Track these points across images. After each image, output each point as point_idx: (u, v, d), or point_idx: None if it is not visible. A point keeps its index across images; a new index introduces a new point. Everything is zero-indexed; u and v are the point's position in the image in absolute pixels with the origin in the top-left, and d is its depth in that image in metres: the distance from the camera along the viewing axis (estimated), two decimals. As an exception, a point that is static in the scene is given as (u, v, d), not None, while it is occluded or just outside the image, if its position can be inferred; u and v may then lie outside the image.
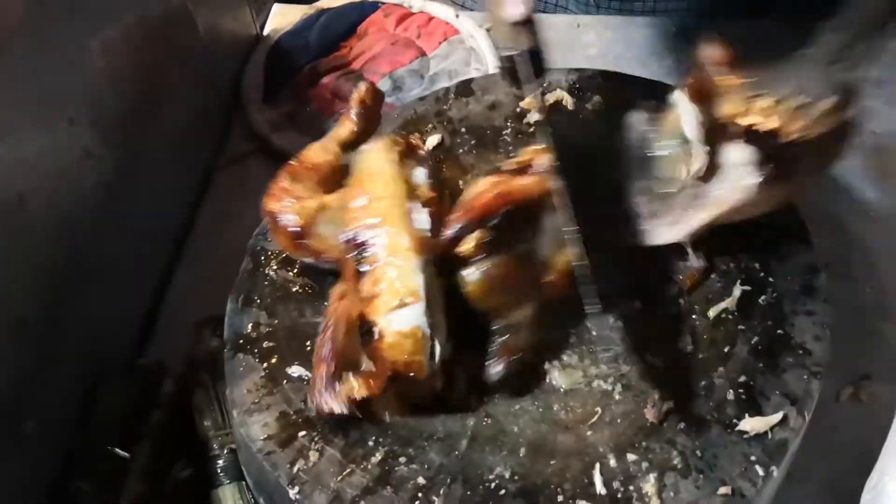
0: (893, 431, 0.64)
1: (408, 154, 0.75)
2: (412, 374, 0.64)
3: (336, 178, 0.74)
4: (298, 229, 0.72)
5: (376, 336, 0.64)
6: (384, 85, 1.13)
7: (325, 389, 0.65)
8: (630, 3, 1.19)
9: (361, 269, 0.66)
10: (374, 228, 0.66)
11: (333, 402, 0.65)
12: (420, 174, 0.74)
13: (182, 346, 0.84)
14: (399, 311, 0.63)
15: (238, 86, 1.15)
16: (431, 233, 0.69)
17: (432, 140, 0.86)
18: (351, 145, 0.77)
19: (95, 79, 0.83)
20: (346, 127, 0.80)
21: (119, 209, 0.86)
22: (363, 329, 0.65)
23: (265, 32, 1.22)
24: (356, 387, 0.64)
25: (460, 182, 0.83)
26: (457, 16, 1.21)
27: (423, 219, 0.67)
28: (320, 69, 1.16)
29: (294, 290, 0.76)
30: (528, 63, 0.68)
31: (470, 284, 0.67)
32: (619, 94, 0.87)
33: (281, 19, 1.24)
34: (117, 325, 0.89)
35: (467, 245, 0.67)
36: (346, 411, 0.65)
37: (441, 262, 0.67)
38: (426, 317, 0.63)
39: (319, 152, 0.78)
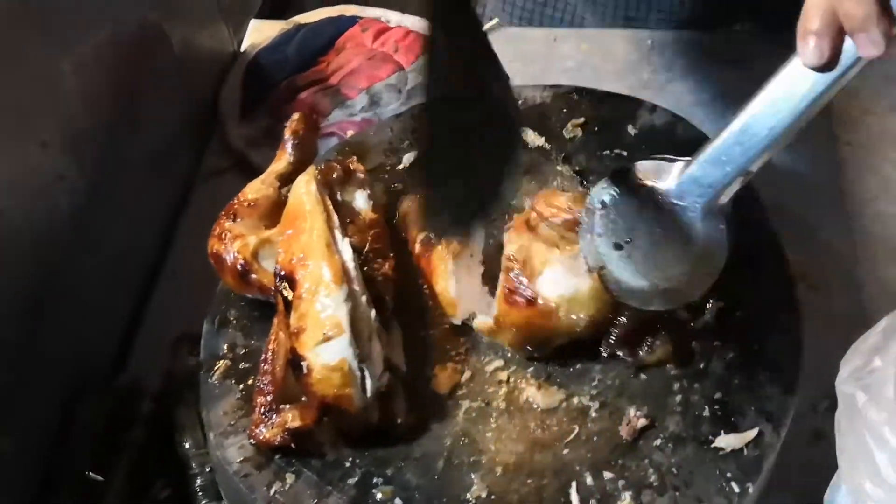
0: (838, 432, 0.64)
1: (345, 179, 0.75)
2: (344, 407, 0.65)
3: (278, 211, 0.74)
4: (242, 267, 0.73)
5: (305, 370, 0.64)
6: (362, 100, 1.13)
7: (262, 420, 0.66)
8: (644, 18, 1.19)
9: (288, 303, 0.66)
10: (298, 262, 0.67)
11: (268, 433, 0.66)
12: (360, 198, 0.75)
13: (161, 363, 0.84)
14: (324, 344, 0.63)
15: (215, 102, 1.14)
16: (373, 254, 0.70)
17: (409, 158, 0.86)
18: (289, 177, 0.77)
19: (68, 100, 0.83)
20: (282, 160, 0.80)
21: (95, 228, 0.86)
22: (294, 363, 0.65)
23: (242, 49, 1.22)
24: (290, 418, 0.65)
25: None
26: (434, 29, 1.21)
27: (346, 249, 0.67)
28: (298, 84, 1.16)
29: (270, 310, 0.76)
30: None
31: None
32: (597, 111, 0.88)
33: (258, 35, 1.24)
34: (94, 343, 0.89)
35: None
36: (280, 442, 0.65)
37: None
38: (352, 349, 0.63)
39: (258, 188, 0.78)
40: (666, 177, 0.63)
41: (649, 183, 0.64)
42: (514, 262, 0.69)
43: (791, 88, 0.55)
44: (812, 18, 0.51)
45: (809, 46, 0.52)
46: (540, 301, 0.67)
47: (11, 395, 0.74)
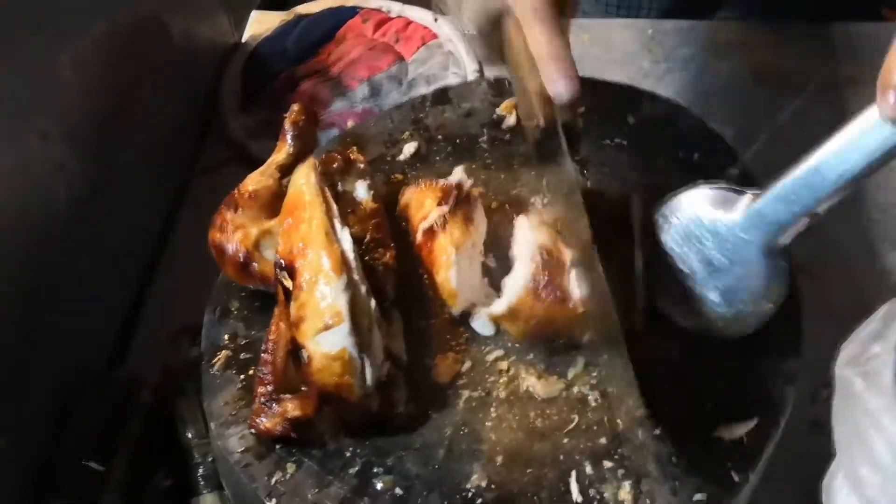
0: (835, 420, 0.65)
1: (346, 169, 0.75)
2: (344, 396, 0.64)
3: (278, 202, 0.74)
4: (243, 257, 0.73)
5: (305, 359, 0.64)
6: (362, 91, 1.13)
7: (262, 409, 0.66)
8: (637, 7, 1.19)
9: (288, 293, 0.66)
10: (298, 252, 0.66)
11: (269, 422, 0.66)
12: (360, 188, 0.75)
13: (161, 355, 0.84)
14: (324, 333, 0.63)
15: (214, 93, 1.14)
16: (374, 244, 0.70)
17: (409, 148, 0.86)
18: (289, 168, 0.77)
19: (67, 93, 0.83)
20: (282, 151, 0.80)
21: (93, 221, 0.86)
22: (294, 353, 0.65)
23: (243, 40, 1.22)
24: (290, 408, 0.65)
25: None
26: (435, 20, 1.21)
27: (345, 238, 0.67)
28: (298, 75, 1.16)
29: (271, 300, 0.76)
30: (562, 137, 0.67)
31: None
32: (596, 100, 0.87)
33: (259, 26, 1.24)
34: (93, 336, 0.89)
35: None
36: (280, 431, 0.65)
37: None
38: (352, 338, 0.63)
39: (258, 179, 0.78)
40: (731, 207, 0.64)
41: (715, 211, 0.65)
42: (546, 255, 0.68)
43: (866, 137, 0.55)
44: (894, 72, 0.50)
45: (890, 101, 0.51)
46: (570, 304, 0.67)
47: (8, 391, 0.74)
